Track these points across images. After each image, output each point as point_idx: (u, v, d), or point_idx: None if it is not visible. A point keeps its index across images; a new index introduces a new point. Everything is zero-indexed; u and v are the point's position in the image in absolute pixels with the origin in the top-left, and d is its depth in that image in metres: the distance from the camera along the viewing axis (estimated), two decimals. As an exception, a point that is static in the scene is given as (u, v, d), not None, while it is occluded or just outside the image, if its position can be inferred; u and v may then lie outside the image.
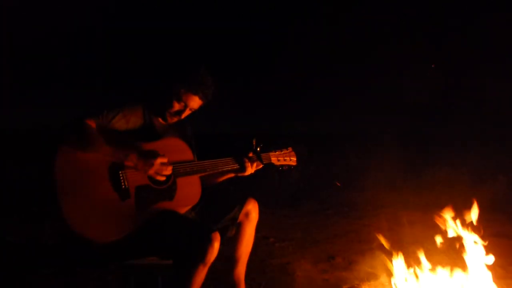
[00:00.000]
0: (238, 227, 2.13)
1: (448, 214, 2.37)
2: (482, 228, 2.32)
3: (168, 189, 1.89)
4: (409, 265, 2.31)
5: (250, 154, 2.16)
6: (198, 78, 1.95)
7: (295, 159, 2.33)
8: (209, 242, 1.70)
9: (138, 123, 1.96)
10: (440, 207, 2.42)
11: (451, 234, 2.33)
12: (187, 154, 2.04)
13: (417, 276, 2.24)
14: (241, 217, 2.12)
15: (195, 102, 1.99)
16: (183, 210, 1.97)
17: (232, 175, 2.19)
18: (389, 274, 2.37)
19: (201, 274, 1.74)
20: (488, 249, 2.25)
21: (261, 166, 2.20)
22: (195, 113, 2.10)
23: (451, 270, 2.23)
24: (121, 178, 1.77)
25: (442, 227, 2.36)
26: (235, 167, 2.12)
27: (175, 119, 2.04)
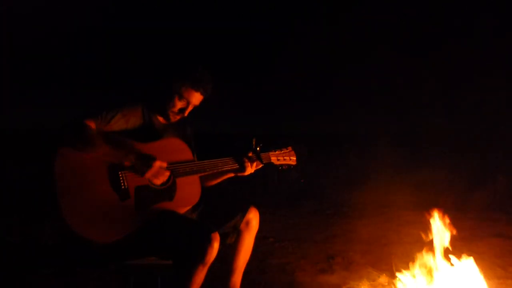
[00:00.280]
0: (238, 235, 2.13)
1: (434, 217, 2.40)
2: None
3: (168, 189, 1.89)
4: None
5: (250, 154, 2.16)
6: (197, 75, 1.97)
7: (295, 158, 2.32)
8: (208, 242, 1.71)
9: (138, 123, 1.96)
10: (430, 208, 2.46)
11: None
12: (187, 154, 2.04)
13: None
14: (241, 225, 2.12)
15: (197, 98, 2.01)
16: (183, 210, 1.97)
17: (232, 175, 2.19)
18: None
19: (201, 274, 1.74)
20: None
21: (261, 165, 2.20)
22: (195, 113, 2.10)
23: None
24: (121, 178, 1.77)
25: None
26: (235, 167, 2.12)
27: (178, 117, 2.04)
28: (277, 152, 2.27)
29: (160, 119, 2.07)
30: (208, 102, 2.10)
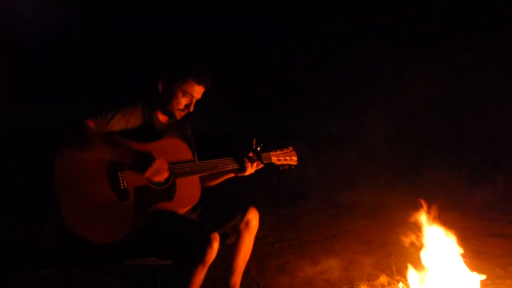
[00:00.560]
0: (237, 235, 2.13)
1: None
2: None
3: (168, 189, 1.89)
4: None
5: (250, 154, 2.16)
6: (197, 69, 1.99)
7: (296, 158, 2.31)
8: (208, 242, 1.70)
9: (138, 123, 1.96)
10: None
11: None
12: (187, 154, 2.03)
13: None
14: (241, 225, 2.12)
15: (200, 92, 2.03)
16: (182, 210, 1.97)
17: (232, 175, 2.19)
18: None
19: (201, 274, 1.74)
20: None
21: (261, 166, 2.19)
22: (195, 114, 2.10)
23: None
24: (120, 178, 1.77)
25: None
26: (235, 167, 2.12)
27: (184, 114, 2.05)
28: (277, 152, 2.27)
29: (161, 118, 2.07)
30: (209, 99, 2.11)
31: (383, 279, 2.72)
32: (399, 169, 7.03)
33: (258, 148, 2.19)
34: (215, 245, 1.72)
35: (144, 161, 1.76)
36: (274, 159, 2.25)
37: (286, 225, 4.44)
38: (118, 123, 1.88)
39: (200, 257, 1.70)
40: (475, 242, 3.58)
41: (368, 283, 2.69)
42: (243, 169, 2.11)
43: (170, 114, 2.04)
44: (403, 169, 7.02)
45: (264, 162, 2.19)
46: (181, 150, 2.02)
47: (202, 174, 2.02)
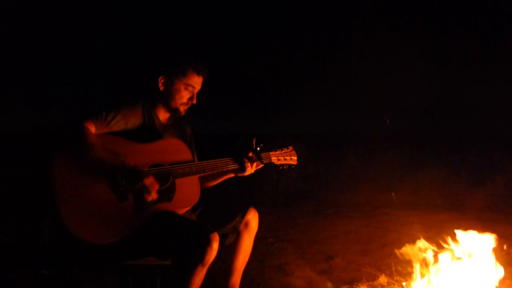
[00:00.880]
0: (237, 236, 2.13)
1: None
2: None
3: (167, 190, 1.89)
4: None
5: (250, 154, 2.15)
6: (192, 61, 2.02)
7: (296, 158, 2.30)
8: (208, 242, 1.70)
9: (138, 123, 1.95)
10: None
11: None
12: (187, 154, 2.03)
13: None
14: (241, 226, 2.12)
15: (199, 83, 2.06)
16: (182, 211, 1.96)
17: (232, 175, 2.18)
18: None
19: (200, 274, 1.73)
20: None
21: (261, 166, 2.19)
22: (195, 114, 2.11)
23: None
24: (119, 179, 1.76)
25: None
26: (235, 167, 2.11)
27: (187, 108, 2.07)
28: (277, 152, 2.26)
29: (161, 118, 2.07)
30: (209, 99, 2.12)
31: (382, 279, 2.72)
32: (399, 169, 7.02)
33: (258, 148, 2.18)
34: (215, 246, 1.72)
35: (132, 181, 1.72)
36: (274, 159, 2.24)
37: (285, 225, 4.44)
38: (118, 124, 1.87)
39: (200, 257, 1.69)
40: (475, 242, 3.57)
41: (367, 283, 2.68)
42: (243, 169, 2.11)
43: (174, 110, 2.04)
44: (403, 169, 7.02)
45: (264, 162, 2.19)
46: (181, 150, 2.01)
47: (202, 175, 2.02)
